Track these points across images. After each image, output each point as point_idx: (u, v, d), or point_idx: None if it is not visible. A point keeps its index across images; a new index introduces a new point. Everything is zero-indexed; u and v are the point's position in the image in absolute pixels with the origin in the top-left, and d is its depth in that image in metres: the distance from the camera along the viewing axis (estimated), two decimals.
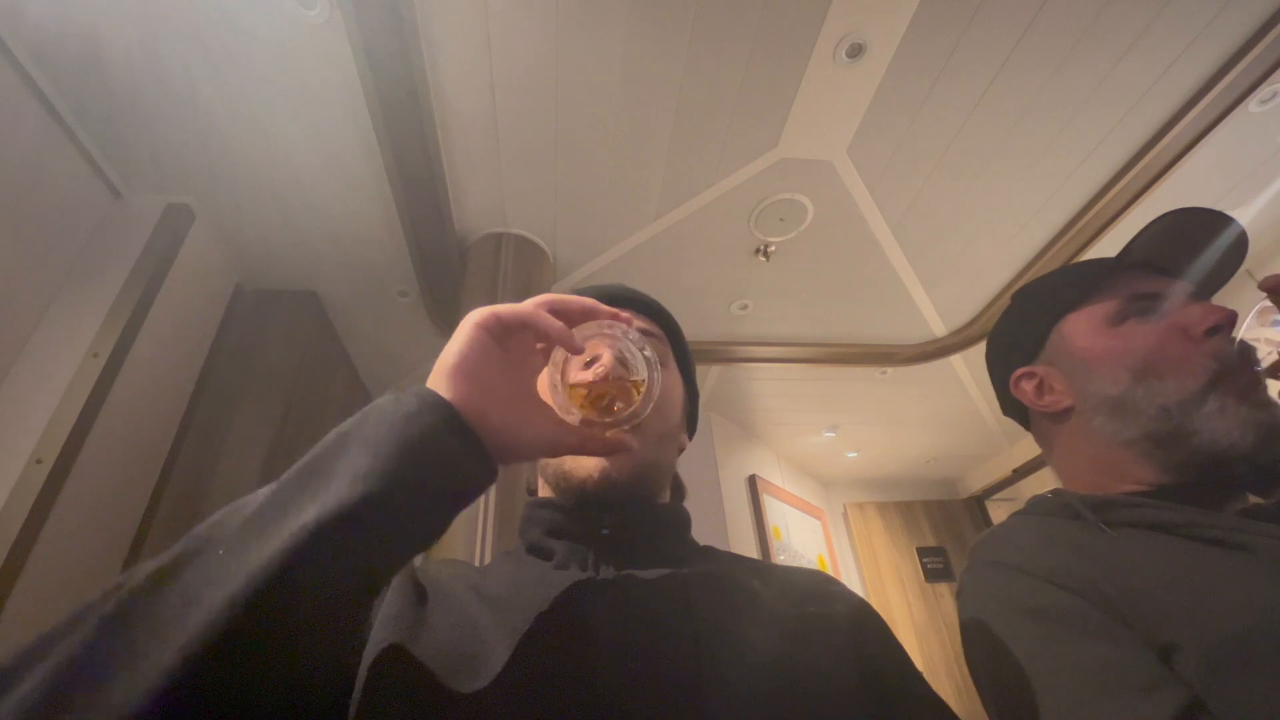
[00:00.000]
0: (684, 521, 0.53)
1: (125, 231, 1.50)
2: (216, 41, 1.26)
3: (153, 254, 1.48)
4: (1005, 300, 2.18)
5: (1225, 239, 0.58)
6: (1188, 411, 0.50)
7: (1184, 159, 1.61)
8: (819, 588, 0.46)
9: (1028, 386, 0.62)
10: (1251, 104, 1.48)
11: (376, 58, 1.26)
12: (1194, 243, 0.58)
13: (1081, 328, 0.59)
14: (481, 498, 1.29)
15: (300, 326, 1.88)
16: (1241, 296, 2.04)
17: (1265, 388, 0.51)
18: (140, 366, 1.41)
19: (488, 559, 1.22)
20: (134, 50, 1.27)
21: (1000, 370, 0.67)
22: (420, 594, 0.42)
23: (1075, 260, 1.93)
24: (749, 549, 2.66)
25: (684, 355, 0.60)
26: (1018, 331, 0.65)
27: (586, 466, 0.47)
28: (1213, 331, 0.52)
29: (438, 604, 0.41)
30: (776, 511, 2.98)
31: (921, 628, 3.16)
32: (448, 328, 1.95)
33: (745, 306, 2.21)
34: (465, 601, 0.42)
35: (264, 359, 1.75)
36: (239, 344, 1.76)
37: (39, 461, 1.19)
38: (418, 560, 0.45)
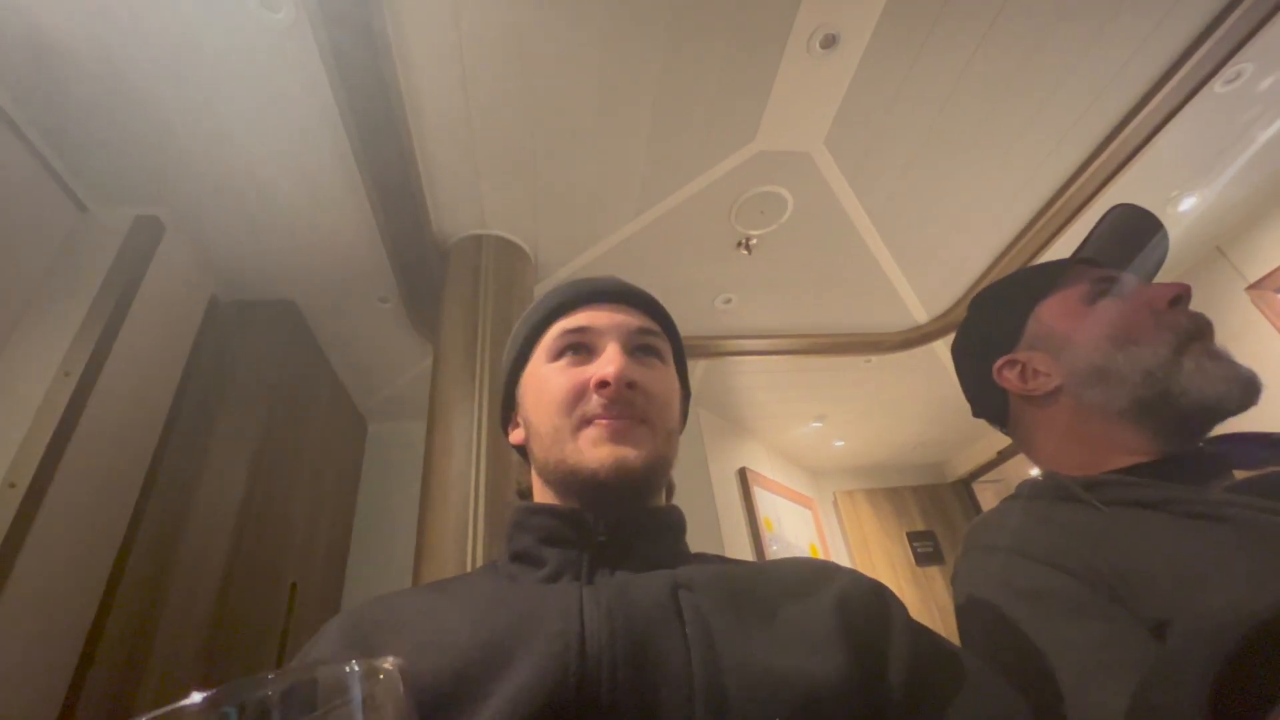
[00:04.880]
0: (679, 526, 0.52)
1: (93, 246, 1.46)
2: (179, 48, 1.23)
3: (123, 268, 1.45)
4: (985, 285, 2.20)
5: (1157, 238, 0.66)
6: (1170, 374, 0.53)
7: (1153, 141, 1.64)
8: (807, 580, 0.45)
9: (1011, 374, 0.63)
10: (1217, 85, 1.51)
11: (345, 60, 1.24)
12: (1133, 240, 0.65)
13: (1058, 309, 0.62)
14: (470, 502, 1.28)
15: (279, 337, 1.85)
16: (1211, 275, 2.06)
17: (1225, 349, 0.55)
18: (115, 384, 1.37)
19: (479, 563, 1.21)
20: (95, 59, 1.23)
21: (975, 368, 0.68)
22: (366, 641, 0.41)
23: (1047, 246, 1.96)
24: (741, 542, 2.68)
25: (680, 353, 0.59)
26: (992, 325, 0.67)
27: (598, 455, 0.45)
28: (1175, 301, 0.57)
29: (402, 638, 0.40)
30: (768, 503, 2.99)
31: (914, 612, 3.20)
32: (430, 333, 1.93)
33: (729, 300, 2.22)
34: (441, 624, 0.41)
35: (243, 371, 1.72)
36: (217, 357, 1.72)
37: (12, 485, 1.15)
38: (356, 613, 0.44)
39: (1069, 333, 0.59)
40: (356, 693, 0.21)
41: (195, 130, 1.39)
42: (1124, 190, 1.77)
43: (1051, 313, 0.62)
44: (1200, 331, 0.55)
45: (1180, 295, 0.57)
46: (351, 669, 0.21)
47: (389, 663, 0.22)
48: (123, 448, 1.43)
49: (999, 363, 0.64)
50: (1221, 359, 0.53)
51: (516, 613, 0.40)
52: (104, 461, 1.35)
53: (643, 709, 0.34)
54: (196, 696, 0.19)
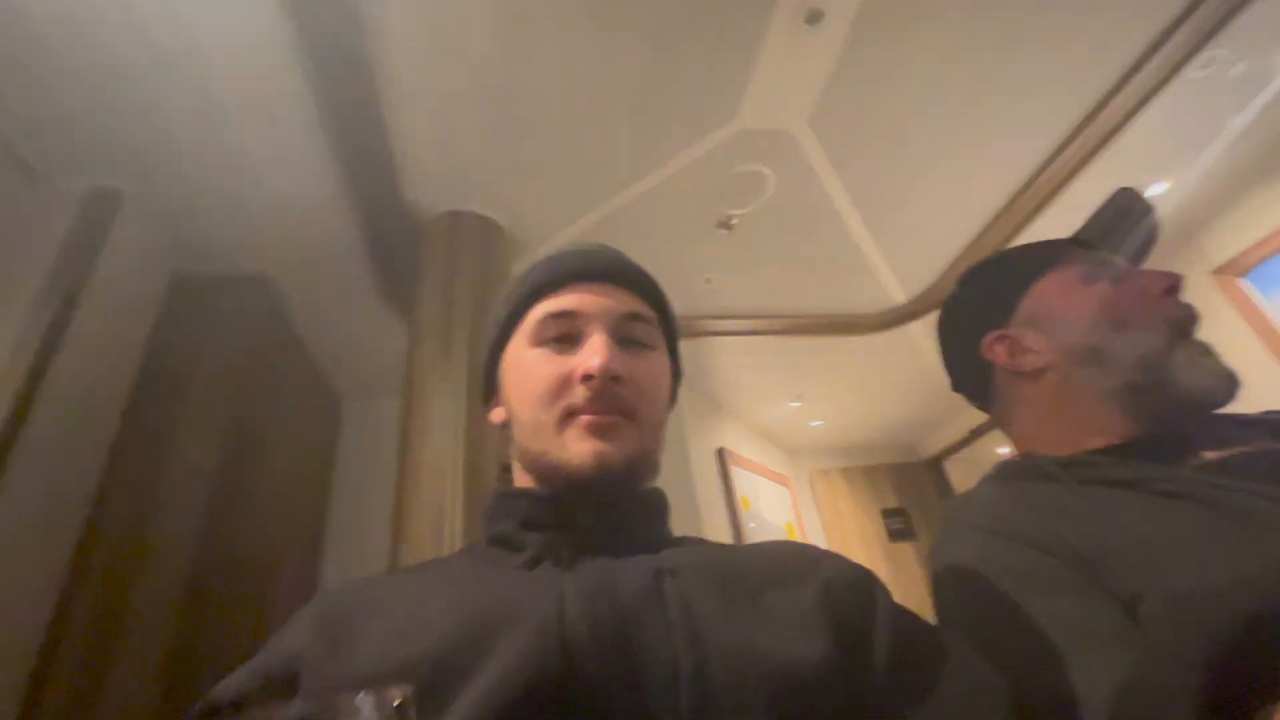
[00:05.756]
0: (663, 507, 0.51)
1: (45, 217, 1.39)
2: (139, 8, 1.16)
3: (77, 241, 1.38)
4: (962, 266, 2.23)
5: (1149, 223, 0.66)
6: (1163, 363, 0.55)
7: (1128, 124, 1.65)
8: (792, 565, 0.45)
9: (1000, 348, 0.63)
10: (1192, 69, 1.52)
11: (316, 26, 1.19)
12: (1130, 226, 0.66)
13: (1056, 287, 0.62)
14: (448, 483, 1.27)
15: (248, 314, 1.79)
16: (1176, 260, 2.12)
17: (1210, 344, 0.56)
18: (70, 364, 1.31)
19: (457, 546, 1.21)
20: (47, 19, 1.16)
21: (961, 341, 0.68)
22: (334, 625, 0.40)
23: (1022, 229, 1.99)
24: (719, 521, 2.71)
25: (672, 334, 0.57)
26: (985, 299, 0.67)
27: (580, 453, 0.44)
28: (1169, 290, 0.58)
29: (378, 624, 0.40)
30: (745, 482, 3.03)
31: (887, 587, 3.30)
32: (405, 310, 1.89)
33: (709, 280, 2.21)
34: (418, 611, 0.40)
35: (210, 350, 1.66)
36: (182, 333, 1.66)
37: None
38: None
39: (1065, 311, 0.60)
40: None
41: (156, 97, 1.32)
42: (1099, 174, 1.79)
43: (1048, 290, 0.62)
44: (1190, 323, 0.57)
45: (1174, 285, 0.58)
46: (362, 699, 0.20)
47: (398, 692, 0.21)
48: (81, 433, 1.36)
49: (989, 337, 0.64)
50: (1211, 354, 0.55)
51: (496, 599, 0.39)
52: (61, 446, 1.30)
53: (627, 695, 0.34)
54: None
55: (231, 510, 1.55)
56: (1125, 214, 0.66)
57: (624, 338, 0.50)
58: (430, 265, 1.63)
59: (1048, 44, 1.46)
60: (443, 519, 1.24)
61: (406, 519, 1.28)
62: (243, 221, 1.67)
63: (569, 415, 0.46)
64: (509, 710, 0.32)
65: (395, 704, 0.21)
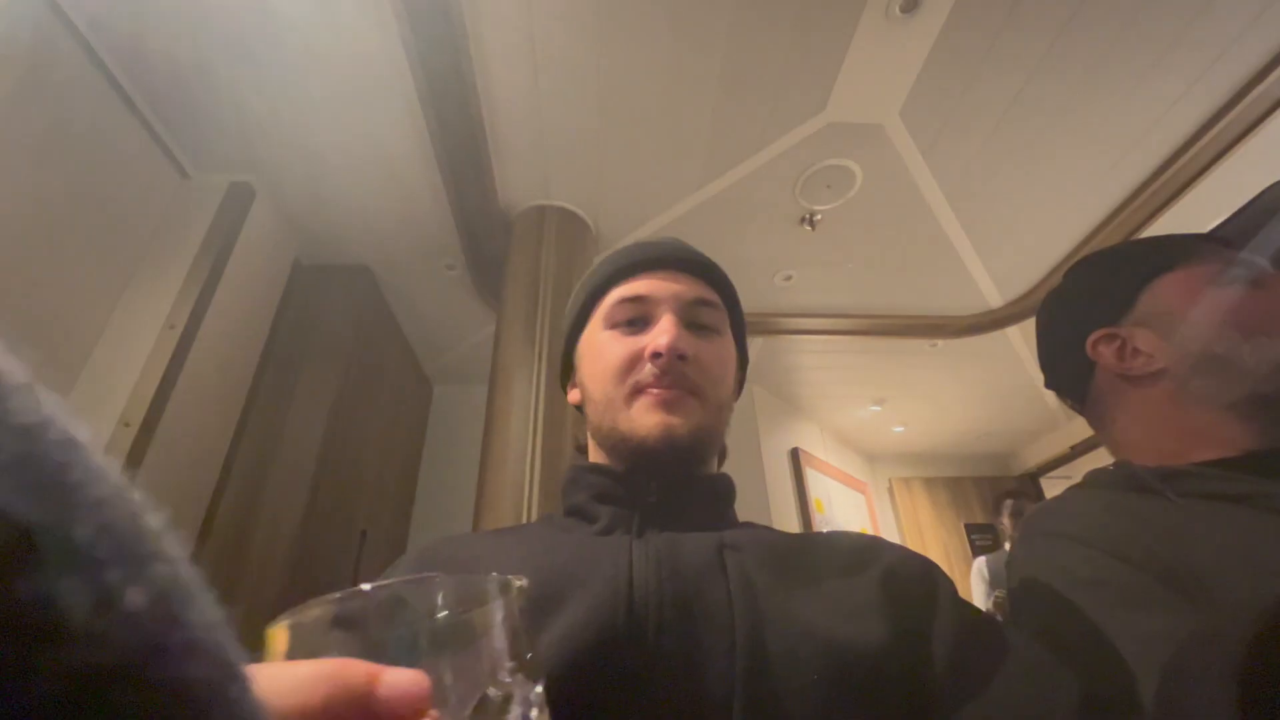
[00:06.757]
0: (730, 492, 0.53)
1: (193, 209, 1.59)
2: (267, 23, 1.30)
3: (219, 230, 1.57)
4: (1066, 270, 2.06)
5: None
6: None
7: (1269, 119, 1.46)
8: (855, 552, 0.45)
9: (1108, 349, 0.58)
10: None
11: (421, 38, 1.28)
12: (1277, 225, 0.58)
13: (1181, 287, 0.56)
14: (527, 462, 1.34)
15: (355, 299, 1.96)
16: None
17: None
18: (212, 337, 1.50)
19: (534, 519, 1.27)
20: (193, 34, 1.32)
21: (1065, 336, 0.63)
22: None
23: (1142, 228, 1.80)
24: (790, 522, 2.66)
25: (739, 321, 0.59)
26: (1097, 293, 0.62)
27: (647, 424, 0.47)
28: None
29: (467, 569, 0.44)
30: (819, 485, 2.96)
31: None
32: (493, 299, 2.00)
33: (789, 277, 2.17)
34: (500, 564, 0.44)
35: (322, 329, 1.84)
36: (299, 315, 1.85)
37: (126, 425, 1.29)
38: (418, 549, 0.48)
39: (1189, 314, 0.55)
40: (497, 600, 0.22)
41: (283, 101, 1.47)
42: (1244, 165, 1.60)
43: (1173, 289, 0.56)
44: None
45: None
46: (490, 580, 0.23)
47: (520, 580, 0.24)
48: (219, 395, 1.56)
49: (1096, 335, 0.59)
50: None
51: (570, 559, 0.42)
52: (204, 405, 1.49)
53: (686, 655, 0.36)
54: (366, 586, 0.20)
55: (335, 474, 1.71)
56: (1273, 210, 0.59)
57: (691, 322, 0.52)
58: (517, 257, 1.71)
59: (1174, 29, 1.32)
60: (521, 496, 1.31)
61: (488, 494, 1.36)
62: (351, 216, 1.82)
63: (637, 391, 0.49)
64: (578, 660, 0.35)
65: (518, 585, 0.24)
